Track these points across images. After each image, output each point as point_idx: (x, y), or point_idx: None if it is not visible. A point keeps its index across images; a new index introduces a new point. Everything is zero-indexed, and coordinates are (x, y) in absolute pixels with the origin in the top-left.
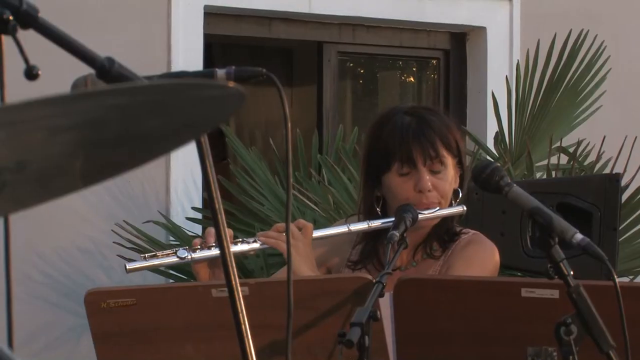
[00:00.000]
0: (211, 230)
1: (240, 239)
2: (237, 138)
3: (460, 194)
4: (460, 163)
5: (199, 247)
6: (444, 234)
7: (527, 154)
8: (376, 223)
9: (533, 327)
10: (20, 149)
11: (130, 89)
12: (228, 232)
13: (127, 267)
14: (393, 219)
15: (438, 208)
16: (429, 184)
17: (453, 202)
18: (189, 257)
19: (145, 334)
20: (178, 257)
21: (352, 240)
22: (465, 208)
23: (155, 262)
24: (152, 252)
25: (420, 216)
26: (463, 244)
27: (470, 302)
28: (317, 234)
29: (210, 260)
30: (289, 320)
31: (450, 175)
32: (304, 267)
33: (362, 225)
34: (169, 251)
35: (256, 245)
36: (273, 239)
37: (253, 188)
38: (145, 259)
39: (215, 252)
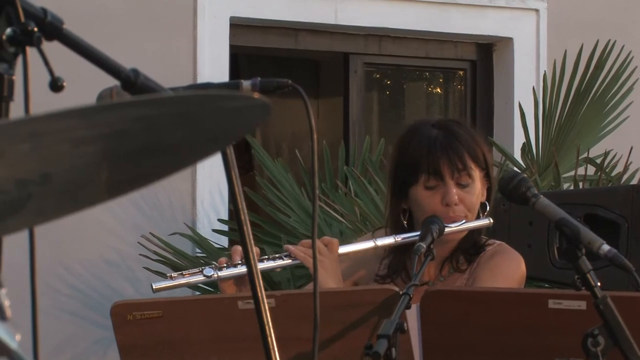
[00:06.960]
0: (237, 248)
1: (267, 256)
2: (263, 149)
3: (488, 207)
4: (487, 176)
5: (225, 265)
6: (470, 247)
7: (554, 165)
8: (402, 237)
9: (560, 339)
10: (45, 161)
11: (155, 100)
12: (255, 250)
13: (154, 287)
14: (419, 232)
15: (464, 221)
16: (456, 197)
17: (481, 214)
18: (215, 275)
19: (171, 346)
20: (204, 275)
21: (380, 255)
22: (491, 221)
23: (182, 280)
24: (178, 263)
25: (446, 229)
26: (488, 255)
27: (497, 314)
28: (343, 249)
29: (236, 278)
30: (315, 332)
31: (477, 189)
32: (330, 282)
33: (388, 240)
34: (195, 270)
35: (282, 262)
36: (301, 252)
37: (279, 200)
38: (172, 277)
39: (241, 269)
